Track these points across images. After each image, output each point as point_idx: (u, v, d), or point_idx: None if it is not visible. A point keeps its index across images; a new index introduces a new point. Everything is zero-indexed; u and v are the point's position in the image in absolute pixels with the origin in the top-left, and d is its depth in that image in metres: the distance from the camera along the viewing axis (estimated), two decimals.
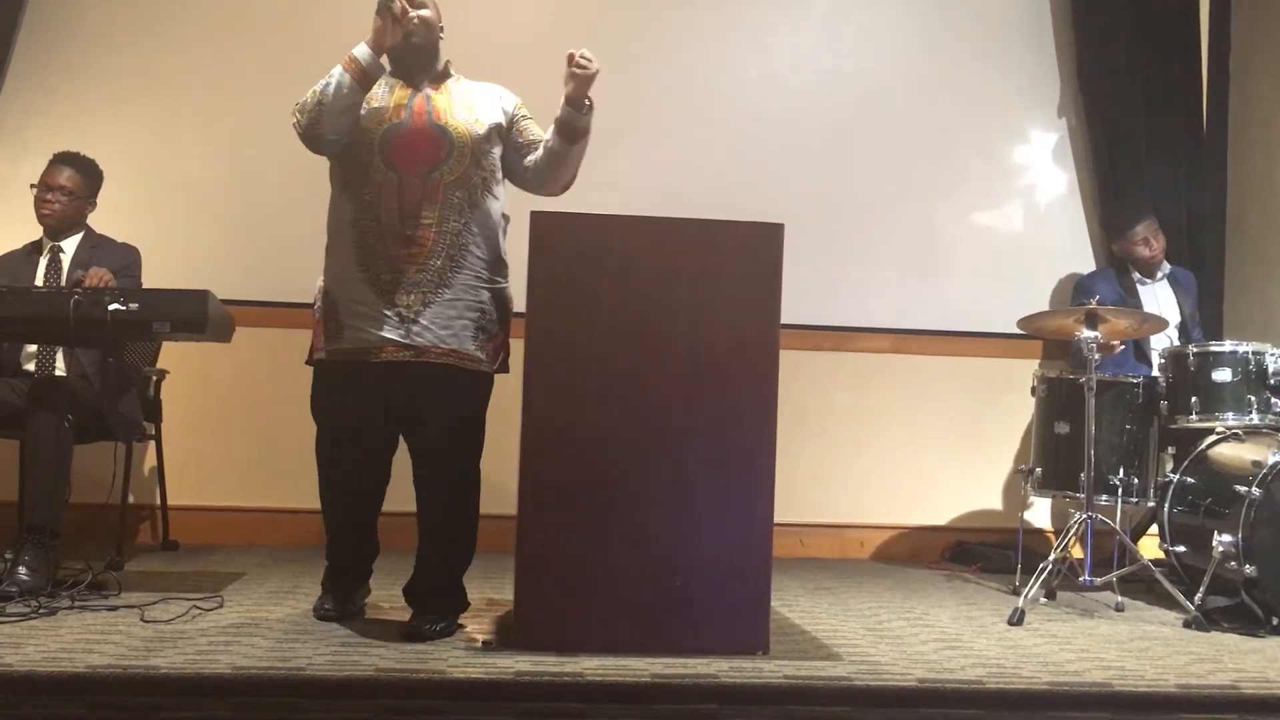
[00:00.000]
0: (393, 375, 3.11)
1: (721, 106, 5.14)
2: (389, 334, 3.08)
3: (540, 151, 3.28)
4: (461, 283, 3.13)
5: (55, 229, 4.13)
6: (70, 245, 4.14)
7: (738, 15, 5.19)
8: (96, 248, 4.14)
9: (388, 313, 3.09)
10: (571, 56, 3.14)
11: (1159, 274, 4.96)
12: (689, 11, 5.18)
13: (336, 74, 3.11)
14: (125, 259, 4.11)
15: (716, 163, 5.07)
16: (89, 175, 4.17)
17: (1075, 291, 5.03)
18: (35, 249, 4.17)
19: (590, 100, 3.19)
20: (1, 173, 4.70)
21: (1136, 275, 4.95)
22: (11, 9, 4.76)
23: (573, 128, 3.21)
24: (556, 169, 3.28)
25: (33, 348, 4.01)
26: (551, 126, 3.25)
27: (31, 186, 4.12)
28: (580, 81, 3.15)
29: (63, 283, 3.98)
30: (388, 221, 3.10)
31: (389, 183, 3.11)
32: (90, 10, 4.88)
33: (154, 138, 4.88)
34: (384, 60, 3.18)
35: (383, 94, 3.21)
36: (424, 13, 3.20)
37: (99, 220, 4.25)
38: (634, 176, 4.65)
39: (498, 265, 3.23)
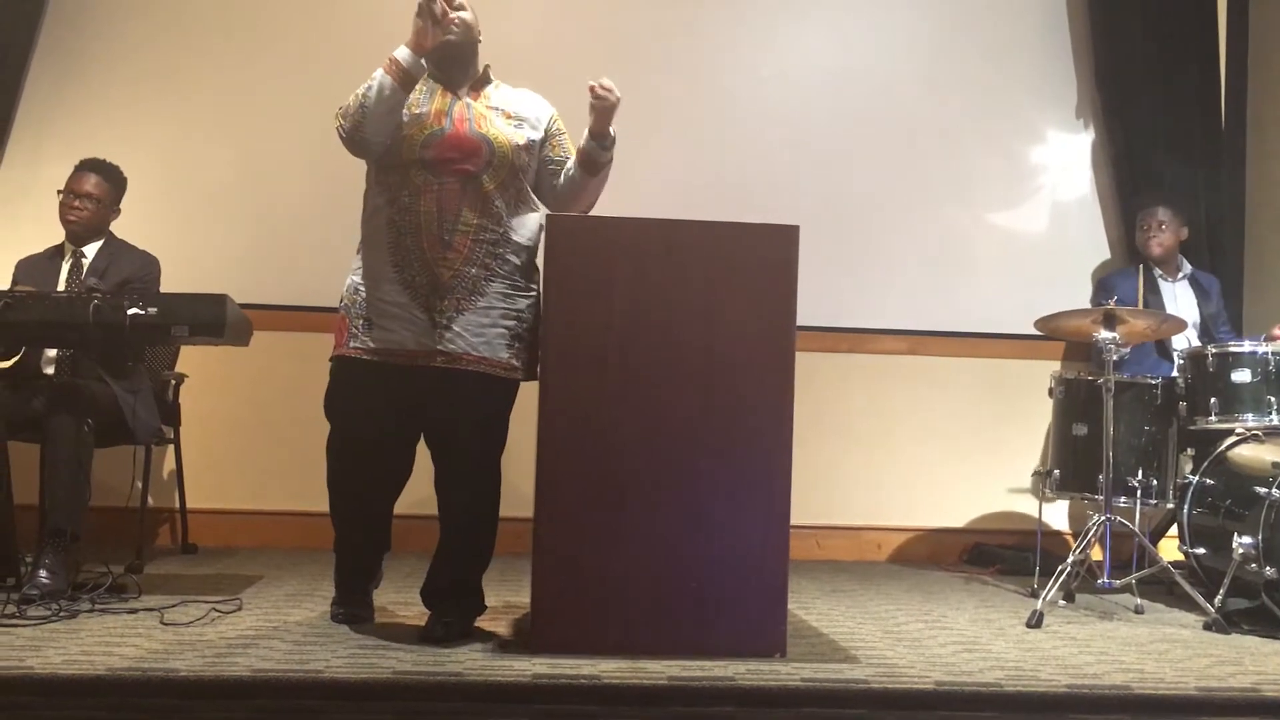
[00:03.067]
0: (420, 379, 3.10)
1: (734, 108, 5.13)
2: (420, 337, 3.08)
3: (562, 177, 3.29)
4: (496, 290, 3.13)
5: (79, 235, 4.15)
6: (92, 251, 4.16)
7: (749, 15, 5.18)
8: (115, 255, 4.15)
9: (419, 315, 3.08)
10: (593, 89, 3.14)
11: (1179, 274, 4.94)
12: (700, 12, 5.18)
13: (378, 77, 3.10)
14: (143, 269, 4.12)
15: (730, 164, 5.07)
16: (114, 183, 4.19)
17: (1096, 289, 5.01)
18: (57, 253, 4.19)
19: (613, 134, 3.20)
20: (22, 178, 4.74)
21: (1158, 272, 4.93)
22: (31, 14, 4.80)
23: (593, 160, 3.22)
24: (577, 196, 3.30)
25: (53, 352, 4.03)
26: (574, 154, 3.26)
27: (59, 192, 4.14)
28: (601, 113, 3.16)
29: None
30: (426, 224, 3.09)
31: (429, 186, 3.11)
32: (108, 15, 4.91)
33: (173, 142, 4.91)
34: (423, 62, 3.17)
35: (423, 99, 3.20)
36: (464, 14, 3.20)
37: (118, 224, 4.26)
38: (648, 178, 4.64)
39: (532, 273, 3.22)
